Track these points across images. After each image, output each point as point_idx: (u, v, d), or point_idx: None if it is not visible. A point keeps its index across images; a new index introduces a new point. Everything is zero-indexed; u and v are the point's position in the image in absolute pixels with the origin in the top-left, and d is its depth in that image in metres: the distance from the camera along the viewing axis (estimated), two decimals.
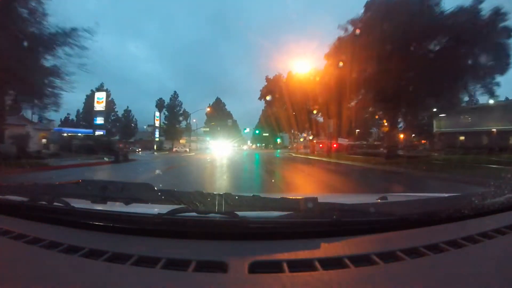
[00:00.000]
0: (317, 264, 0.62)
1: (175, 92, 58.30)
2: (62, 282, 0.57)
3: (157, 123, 51.48)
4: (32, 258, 0.68)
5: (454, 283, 0.56)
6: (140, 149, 39.33)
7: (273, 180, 8.29)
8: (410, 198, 1.34)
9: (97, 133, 37.64)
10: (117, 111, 51.29)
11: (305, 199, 0.77)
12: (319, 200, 0.77)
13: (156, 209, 0.80)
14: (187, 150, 47.19)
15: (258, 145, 78.36)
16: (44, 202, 0.91)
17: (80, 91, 48.43)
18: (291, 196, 0.83)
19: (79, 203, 0.88)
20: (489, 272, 0.60)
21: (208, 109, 56.59)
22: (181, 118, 55.00)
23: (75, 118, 51.60)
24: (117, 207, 0.87)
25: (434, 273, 0.60)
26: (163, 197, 0.81)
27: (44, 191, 1.01)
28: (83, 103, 49.68)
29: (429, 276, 0.59)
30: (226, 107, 69.89)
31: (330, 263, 0.62)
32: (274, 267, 0.61)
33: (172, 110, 55.03)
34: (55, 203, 0.88)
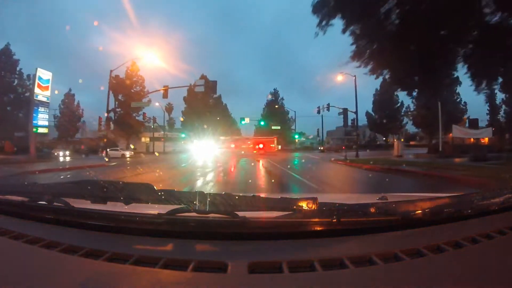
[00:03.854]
0: (317, 264, 0.61)
1: (133, 62, 30.04)
2: (62, 282, 0.57)
3: (43, 94, 19.93)
4: (32, 258, 0.68)
5: (454, 283, 0.56)
6: (67, 152, 26.43)
7: None
8: (410, 198, 1.34)
9: None
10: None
11: (305, 199, 0.77)
12: (319, 200, 0.77)
13: (156, 209, 0.80)
14: (128, 154, 27.27)
15: (261, 146, 61.24)
16: (44, 202, 0.91)
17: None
18: (291, 196, 0.83)
19: (79, 203, 0.88)
20: (489, 273, 0.60)
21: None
22: (143, 101, 28.49)
23: None
24: (117, 207, 0.87)
25: (434, 273, 0.60)
26: (163, 197, 0.81)
27: (44, 191, 1.01)
28: None
29: (429, 276, 0.59)
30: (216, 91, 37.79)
31: (330, 263, 0.62)
32: (274, 267, 0.61)
33: (129, 90, 31.30)
34: (55, 203, 0.88)
